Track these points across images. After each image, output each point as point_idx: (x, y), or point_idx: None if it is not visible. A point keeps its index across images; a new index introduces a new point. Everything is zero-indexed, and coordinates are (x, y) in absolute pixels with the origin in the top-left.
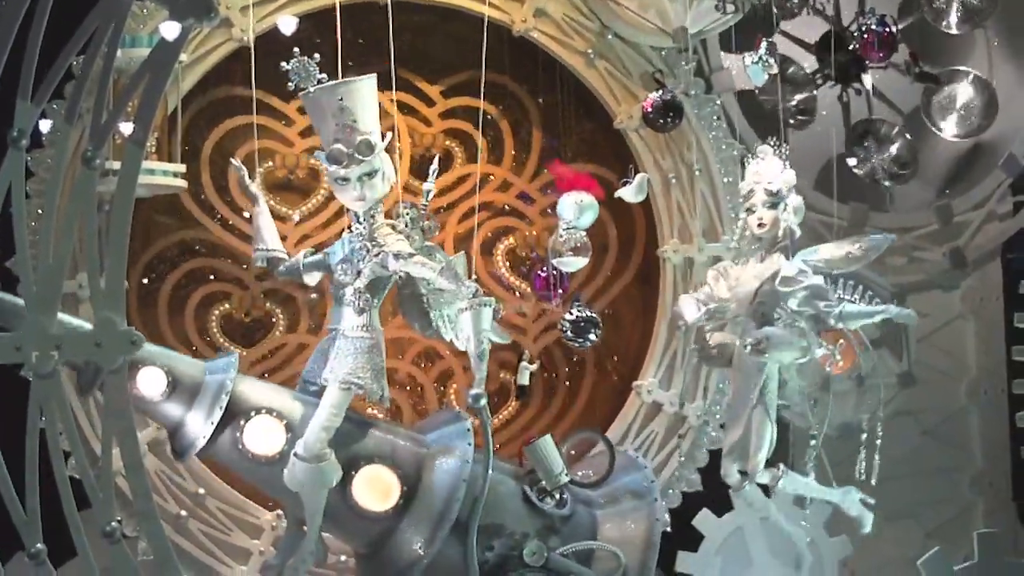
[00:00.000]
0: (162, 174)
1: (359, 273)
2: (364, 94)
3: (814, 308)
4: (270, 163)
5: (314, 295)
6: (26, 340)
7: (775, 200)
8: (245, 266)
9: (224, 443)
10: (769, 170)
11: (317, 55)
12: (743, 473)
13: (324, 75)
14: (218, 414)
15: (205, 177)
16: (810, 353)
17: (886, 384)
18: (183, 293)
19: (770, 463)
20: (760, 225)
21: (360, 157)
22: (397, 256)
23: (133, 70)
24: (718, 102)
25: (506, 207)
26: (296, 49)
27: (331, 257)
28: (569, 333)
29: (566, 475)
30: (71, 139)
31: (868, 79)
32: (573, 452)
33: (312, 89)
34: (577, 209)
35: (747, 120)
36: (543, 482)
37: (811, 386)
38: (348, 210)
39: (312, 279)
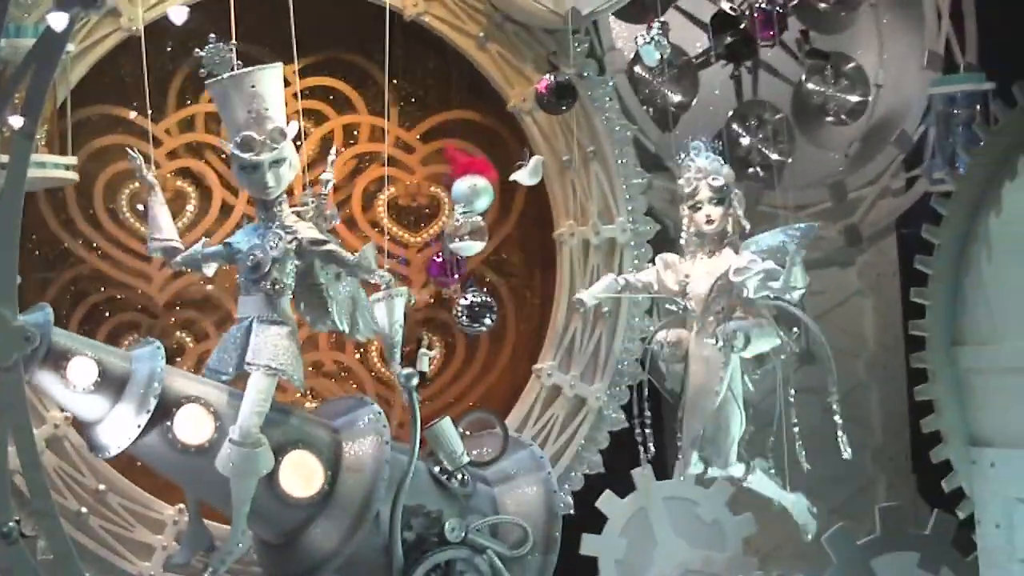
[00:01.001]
0: (53, 167)
1: (274, 260)
2: (273, 82)
3: (769, 290)
4: (135, 184)
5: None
6: None
7: (721, 196)
8: (140, 291)
9: (149, 435)
10: (711, 166)
11: (235, 42)
12: (705, 462)
13: (240, 62)
14: (153, 403)
15: (73, 208)
16: (777, 340)
17: (785, 363)
18: (86, 334)
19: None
20: (709, 222)
21: (273, 144)
22: (312, 243)
23: (19, 61)
24: (611, 83)
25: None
26: (212, 35)
27: (235, 246)
28: (464, 319)
29: (465, 456)
30: None
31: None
32: (468, 432)
33: (225, 76)
34: (472, 193)
35: (640, 100)
36: (444, 463)
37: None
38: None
39: (210, 269)
